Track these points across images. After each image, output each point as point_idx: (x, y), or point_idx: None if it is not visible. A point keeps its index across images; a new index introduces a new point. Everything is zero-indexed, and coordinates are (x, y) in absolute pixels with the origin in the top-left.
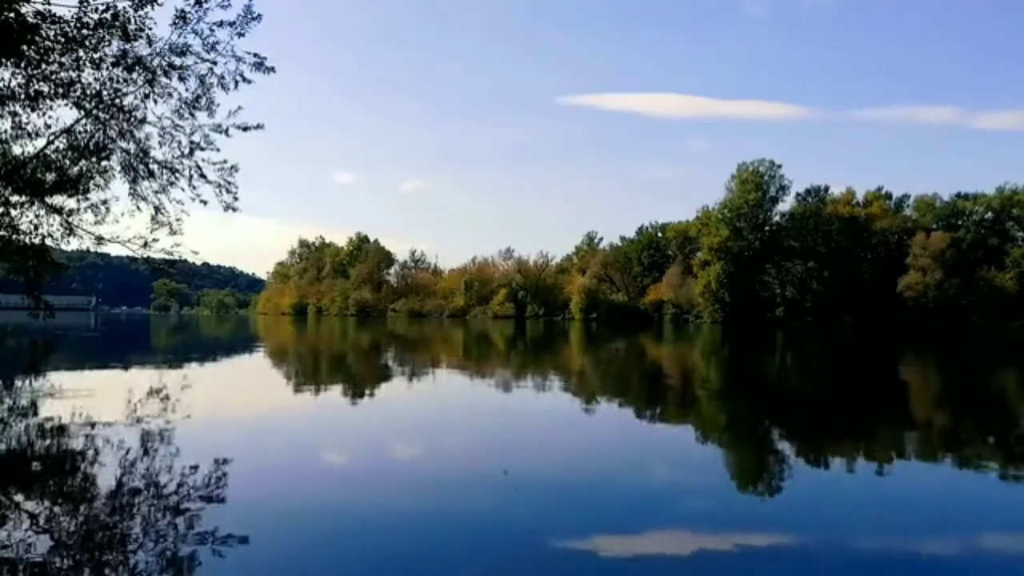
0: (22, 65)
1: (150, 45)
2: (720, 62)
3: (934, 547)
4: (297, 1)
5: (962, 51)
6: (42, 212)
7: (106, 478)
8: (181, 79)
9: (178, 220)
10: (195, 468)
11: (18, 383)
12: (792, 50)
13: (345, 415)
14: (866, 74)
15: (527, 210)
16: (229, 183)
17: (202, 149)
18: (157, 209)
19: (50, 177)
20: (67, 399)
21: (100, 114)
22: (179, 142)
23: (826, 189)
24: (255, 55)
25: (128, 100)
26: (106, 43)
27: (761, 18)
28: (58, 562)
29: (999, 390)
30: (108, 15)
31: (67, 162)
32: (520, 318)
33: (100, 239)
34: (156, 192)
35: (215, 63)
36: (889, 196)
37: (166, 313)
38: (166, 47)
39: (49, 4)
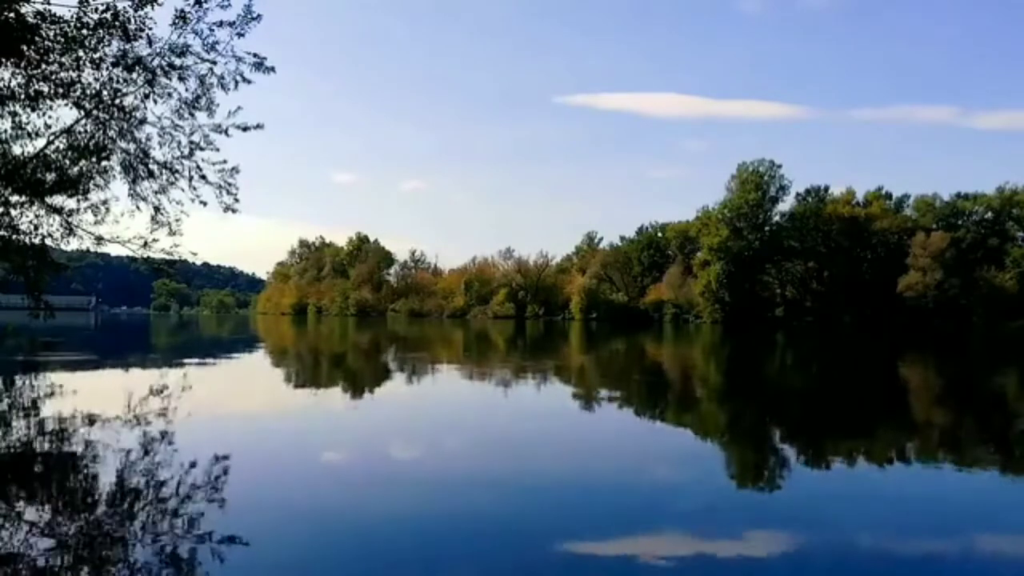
0: (22, 65)
1: (150, 45)
2: (716, 62)
3: (934, 547)
4: (297, 1)
5: (959, 51)
6: (42, 212)
7: (106, 478)
8: (181, 79)
9: (177, 221)
10: (195, 468)
11: (18, 382)
12: (789, 49)
13: (345, 415)
14: (863, 73)
15: (527, 210)
16: (229, 184)
17: (202, 149)
18: (157, 209)
19: (50, 177)
20: (67, 398)
21: (100, 114)
22: (179, 142)
23: (826, 189)
24: (255, 55)
25: (128, 100)
26: (106, 43)
27: (756, 17)
28: (59, 562)
29: (999, 390)
30: (108, 15)
31: (67, 162)
32: (520, 318)
33: (100, 239)
34: (156, 192)
35: (215, 63)
36: (889, 196)
37: (166, 313)
38: (166, 47)
39: (49, 4)
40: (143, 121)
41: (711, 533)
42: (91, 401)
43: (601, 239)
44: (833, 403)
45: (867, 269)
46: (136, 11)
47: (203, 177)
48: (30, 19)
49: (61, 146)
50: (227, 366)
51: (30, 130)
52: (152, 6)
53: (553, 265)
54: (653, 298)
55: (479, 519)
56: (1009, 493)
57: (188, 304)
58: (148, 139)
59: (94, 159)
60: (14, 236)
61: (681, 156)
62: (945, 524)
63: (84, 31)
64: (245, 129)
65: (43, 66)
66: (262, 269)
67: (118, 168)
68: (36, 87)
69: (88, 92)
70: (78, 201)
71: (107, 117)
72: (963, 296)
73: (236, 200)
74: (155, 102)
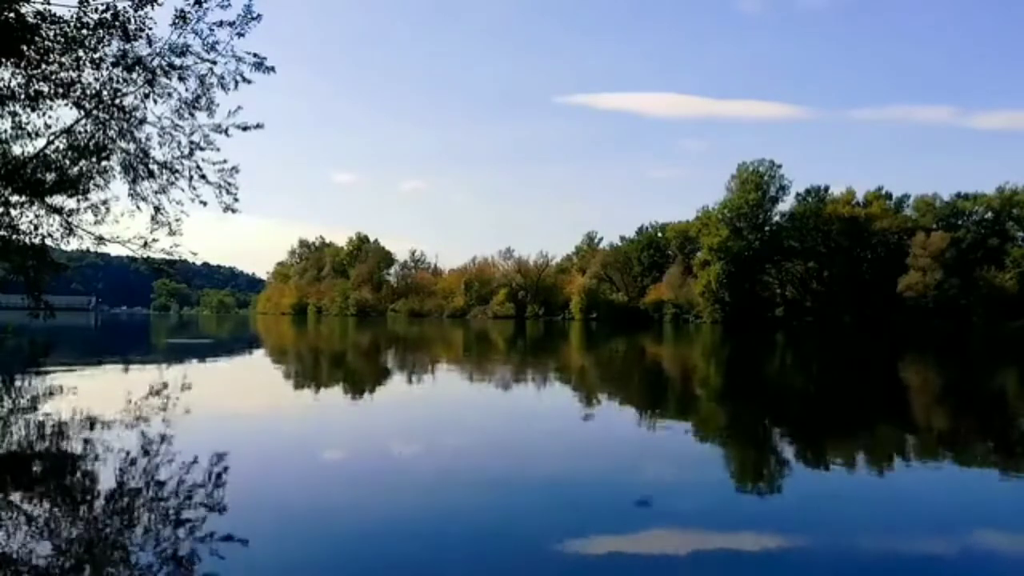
0: (22, 65)
1: (150, 45)
2: (716, 62)
3: (934, 547)
4: (297, 1)
5: (959, 51)
6: (42, 212)
7: (106, 479)
8: (181, 79)
9: (177, 220)
10: (195, 468)
11: (18, 382)
12: (789, 49)
13: (344, 415)
14: (863, 73)
15: (527, 210)
16: (229, 184)
17: (202, 149)
18: (157, 209)
19: (50, 177)
20: (67, 398)
21: (100, 114)
22: (179, 142)
23: (826, 189)
24: (255, 55)
25: (128, 100)
26: (106, 43)
27: (756, 17)
28: (59, 562)
29: (998, 390)
30: (108, 15)
31: (67, 162)
32: (520, 318)
33: (100, 239)
34: (156, 192)
35: (215, 63)
36: (889, 196)
37: (166, 313)
38: (166, 47)
39: (49, 4)
40: (143, 121)
41: (711, 533)
42: (91, 401)
43: (601, 239)
44: (833, 403)
45: (867, 269)
46: (136, 11)
47: (203, 177)
48: (30, 19)
49: (61, 146)
50: (227, 366)
51: (30, 130)
52: (152, 6)
53: (553, 265)
54: (653, 298)
55: (479, 519)
56: (1009, 493)
57: (188, 304)
58: (148, 139)
59: (94, 159)
60: (14, 236)
61: (681, 156)
62: (945, 524)
63: (84, 31)
64: (245, 129)
65: (43, 66)
66: (262, 269)
67: (118, 168)
68: (36, 87)
69: (88, 92)
70: (78, 201)
71: (107, 117)
72: (963, 296)
73: (236, 200)
74: (155, 102)
